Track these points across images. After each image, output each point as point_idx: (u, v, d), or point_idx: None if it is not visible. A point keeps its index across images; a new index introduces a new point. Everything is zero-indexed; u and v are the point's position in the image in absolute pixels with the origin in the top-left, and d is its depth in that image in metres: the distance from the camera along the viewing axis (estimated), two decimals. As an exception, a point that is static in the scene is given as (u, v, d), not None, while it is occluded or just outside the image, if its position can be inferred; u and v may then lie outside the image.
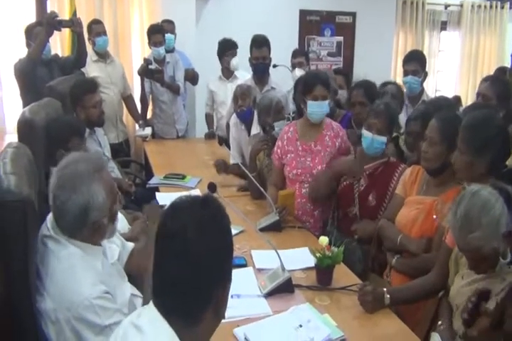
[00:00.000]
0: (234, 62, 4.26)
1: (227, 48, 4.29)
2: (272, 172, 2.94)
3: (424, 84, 3.49)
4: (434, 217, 2.03)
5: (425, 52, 4.35)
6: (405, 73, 3.33)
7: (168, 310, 1.06)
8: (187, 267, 1.03)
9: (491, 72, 6.72)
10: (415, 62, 3.33)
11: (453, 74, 6.83)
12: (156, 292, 1.08)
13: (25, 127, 2.38)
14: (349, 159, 2.63)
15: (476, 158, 1.80)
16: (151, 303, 1.09)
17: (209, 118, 4.56)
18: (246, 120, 3.37)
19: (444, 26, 6.69)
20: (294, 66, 4.10)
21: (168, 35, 4.52)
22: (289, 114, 3.12)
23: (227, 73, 4.36)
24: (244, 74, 4.23)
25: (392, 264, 2.14)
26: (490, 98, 2.84)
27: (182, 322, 1.05)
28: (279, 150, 2.83)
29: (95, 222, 1.50)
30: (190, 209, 1.07)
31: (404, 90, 3.33)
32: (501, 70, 4.76)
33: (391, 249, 2.17)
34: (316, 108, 2.67)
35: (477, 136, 1.80)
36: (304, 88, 2.74)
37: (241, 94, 3.42)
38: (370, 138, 2.41)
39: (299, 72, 3.83)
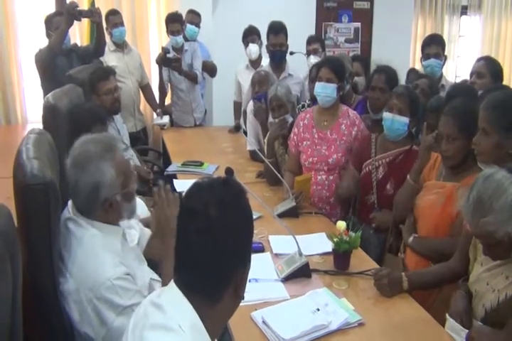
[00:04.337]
0: (251, 47, 4.09)
1: (245, 35, 4.16)
2: (286, 161, 2.94)
3: (444, 70, 3.44)
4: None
5: (445, 38, 4.26)
6: (427, 56, 3.29)
7: (189, 288, 1.08)
8: (209, 244, 1.04)
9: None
10: (436, 45, 3.31)
11: (473, 60, 6.67)
12: (178, 270, 1.10)
13: (49, 112, 2.43)
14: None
15: (505, 138, 1.75)
16: (171, 283, 1.11)
17: (237, 106, 4.37)
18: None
19: (464, 11, 6.53)
20: (309, 53, 4.03)
21: (192, 27, 4.52)
22: (305, 101, 3.12)
23: (255, 62, 4.17)
24: (265, 61, 4.10)
25: (408, 243, 2.12)
26: (484, 75, 2.90)
27: (202, 300, 1.07)
28: (295, 137, 2.83)
29: (107, 199, 1.53)
30: (212, 188, 1.09)
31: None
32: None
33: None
34: (320, 89, 2.67)
35: (505, 115, 1.75)
36: (316, 71, 2.79)
37: (258, 81, 3.42)
38: (391, 119, 2.38)
39: (313, 59, 3.77)
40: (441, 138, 2.01)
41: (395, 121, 2.38)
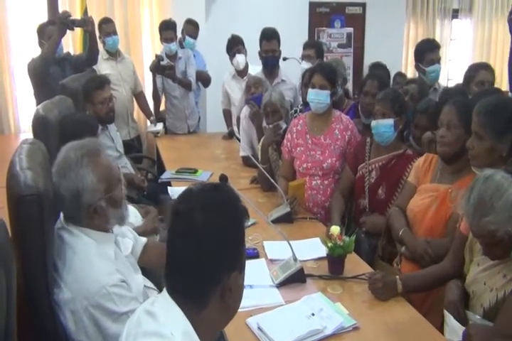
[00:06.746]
0: (238, 58, 4.08)
1: (231, 46, 4.16)
2: (280, 167, 2.95)
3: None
4: (452, 205, 1.99)
5: (436, 41, 4.33)
6: (431, 62, 3.37)
7: (175, 293, 1.09)
8: (191, 247, 1.06)
9: (505, 61, 6.66)
10: (437, 50, 3.42)
11: (465, 63, 6.72)
12: (166, 272, 1.12)
13: (39, 124, 2.44)
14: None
15: (498, 142, 1.77)
16: (164, 291, 1.12)
17: (227, 114, 4.39)
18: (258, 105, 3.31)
19: (455, 14, 6.59)
20: (303, 58, 4.07)
21: (189, 40, 4.54)
22: (297, 107, 3.13)
23: (242, 71, 4.18)
24: (256, 68, 4.11)
25: (401, 251, 2.14)
26: (492, 83, 2.98)
27: (189, 305, 1.07)
28: (288, 143, 2.84)
29: (90, 205, 1.53)
30: (201, 193, 1.11)
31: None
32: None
33: (396, 240, 2.18)
34: (313, 96, 2.68)
35: (498, 120, 1.77)
36: (309, 77, 2.80)
37: (254, 83, 3.43)
38: (376, 125, 2.42)
39: (305, 65, 3.76)
40: (440, 126, 2.03)
41: (379, 126, 2.42)
